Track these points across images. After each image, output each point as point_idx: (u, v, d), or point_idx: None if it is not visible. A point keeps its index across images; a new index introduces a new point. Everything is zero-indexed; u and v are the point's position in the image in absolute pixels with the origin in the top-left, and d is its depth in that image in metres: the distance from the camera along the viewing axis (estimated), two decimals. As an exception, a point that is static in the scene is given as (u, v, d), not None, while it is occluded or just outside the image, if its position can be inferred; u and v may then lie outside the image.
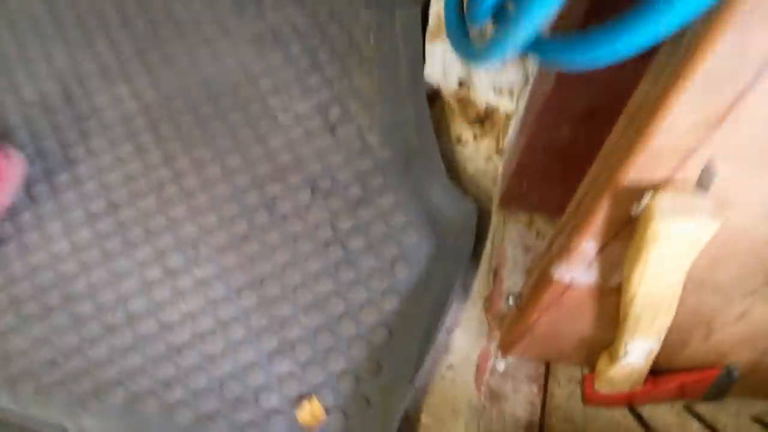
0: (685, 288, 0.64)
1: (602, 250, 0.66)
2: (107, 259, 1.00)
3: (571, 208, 0.72)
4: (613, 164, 0.58)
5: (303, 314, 0.96)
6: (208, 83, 1.18)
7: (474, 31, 0.68)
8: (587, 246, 0.66)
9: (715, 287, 0.70)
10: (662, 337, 0.72)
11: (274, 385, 0.90)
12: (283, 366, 0.92)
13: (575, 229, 0.66)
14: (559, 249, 0.71)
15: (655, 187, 0.56)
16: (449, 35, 0.72)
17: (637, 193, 0.57)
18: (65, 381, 0.89)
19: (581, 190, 0.69)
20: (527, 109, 0.96)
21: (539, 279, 0.78)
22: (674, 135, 0.51)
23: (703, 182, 0.55)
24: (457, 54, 0.70)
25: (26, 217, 1.04)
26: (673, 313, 0.67)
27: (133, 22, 1.24)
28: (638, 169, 0.55)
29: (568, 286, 0.73)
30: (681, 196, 0.55)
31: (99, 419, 0.86)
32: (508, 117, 1.15)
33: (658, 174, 0.55)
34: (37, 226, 1.03)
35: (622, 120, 0.59)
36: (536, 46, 0.54)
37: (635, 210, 0.58)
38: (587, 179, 0.68)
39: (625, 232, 0.62)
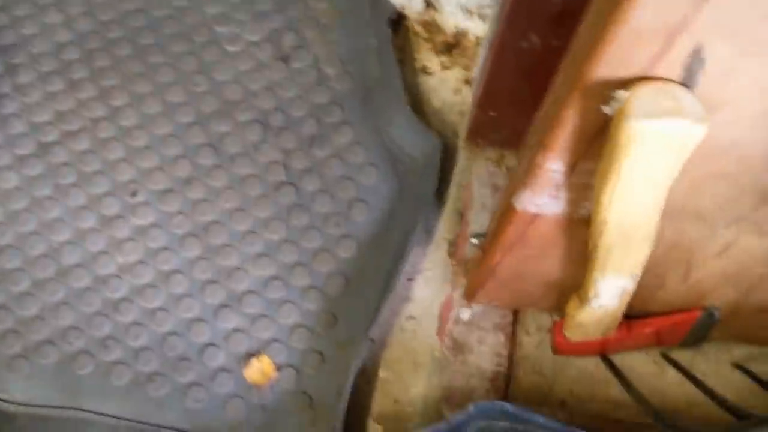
0: (662, 216, 0.57)
1: (571, 171, 0.59)
2: (36, 206, 0.92)
3: (535, 122, 0.64)
4: (584, 57, 0.49)
5: (252, 264, 0.89)
6: (147, 9, 1.08)
7: None
8: (554, 167, 0.59)
9: (696, 214, 0.63)
10: (637, 274, 0.65)
11: (221, 342, 0.84)
12: (231, 321, 0.85)
13: (540, 147, 0.58)
14: (523, 173, 0.63)
15: (632, 83, 0.47)
16: None
17: (611, 90, 0.48)
18: (-11, 343, 0.83)
19: (547, 99, 0.60)
20: (496, 21, 0.87)
21: (502, 212, 0.71)
22: (656, 9, 0.41)
23: (689, 75, 0.46)
24: None
25: (-54, 163, 0.95)
26: (649, 244, 0.60)
27: (63, -59, 1.12)
28: (613, 58, 0.46)
29: (533, 218, 0.66)
30: (663, 92, 0.46)
31: (29, 382, 0.81)
32: (478, 42, 1.06)
33: (636, 64, 0.46)
34: (-41, 171, 0.94)
35: (594, 3, 0.50)
36: None
37: (608, 109, 0.49)
38: (554, 85, 0.59)
39: (596, 147, 0.54)
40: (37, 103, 0.99)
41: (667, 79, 0.46)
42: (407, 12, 1.09)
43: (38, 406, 0.79)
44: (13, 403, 0.79)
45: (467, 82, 1.05)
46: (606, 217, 0.56)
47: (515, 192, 0.65)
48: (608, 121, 0.50)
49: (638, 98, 0.46)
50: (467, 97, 1.04)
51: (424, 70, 1.06)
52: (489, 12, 1.04)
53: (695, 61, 0.44)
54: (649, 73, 0.46)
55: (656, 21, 0.42)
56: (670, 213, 0.59)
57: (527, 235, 0.69)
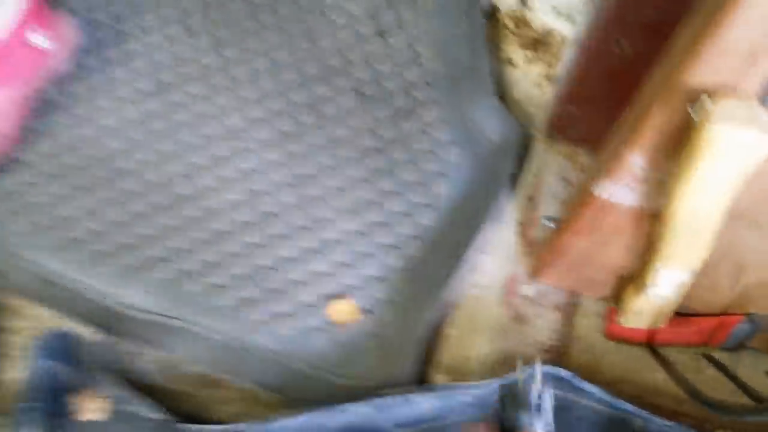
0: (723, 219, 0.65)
1: (649, 167, 0.67)
2: (154, 139, 1.01)
3: (622, 119, 0.72)
4: (674, 65, 0.57)
5: (340, 217, 0.98)
6: (262, -29, 1.16)
7: None
8: (634, 161, 0.67)
9: (753, 222, 0.70)
10: (695, 269, 0.73)
11: (309, 281, 0.93)
12: (319, 265, 0.95)
13: (624, 141, 0.67)
14: (606, 164, 0.71)
15: (715, 93, 0.55)
16: None
17: (695, 97, 0.56)
18: (111, 252, 0.92)
19: (637, 99, 0.69)
20: (587, 24, 0.94)
21: (580, 197, 0.79)
22: (744, 31, 0.49)
23: (766, 94, 0.55)
24: None
25: (77, 87, 1.04)
26: (711, 242, 0.68)
27: None
28: (701, 69, 0.54)
29: (609, 206, 0.73)
30: (742, 105, 0.55)
31: (140, 293, 0.90)
32: (563, 42, 1.14)
33: (721, 77, 0.54)
34: (87, 98, 1.03)
35: (691, 18, 0.58)
36: None
37: (692, 112, 0.57)
38: (645, 87, 0.67)
39: (675, 148, 0.62)
40: (157, 45, 1.08)
41: (746, 96, 0.55)
42: (500, 6, 1.17)
43: (148, 312, 0.89)
44: (128, 307, 0.89)
45: (548, 78, 1.13)
46: (676, 210, 0.64)
47: (596, 179, 0.72)
48: (690, 125, 0.58)
49: (721, 106, 0.55)
50: (547, 92, 1.12)
51: (510, 62, 1.15)
52: (578, 16, 1.12)
53: None
54: (732, 87, 0.55)
55: (742, 41, 0.50)
56: (730, 217, 0.67)
57: (600, 220, 0.76)
